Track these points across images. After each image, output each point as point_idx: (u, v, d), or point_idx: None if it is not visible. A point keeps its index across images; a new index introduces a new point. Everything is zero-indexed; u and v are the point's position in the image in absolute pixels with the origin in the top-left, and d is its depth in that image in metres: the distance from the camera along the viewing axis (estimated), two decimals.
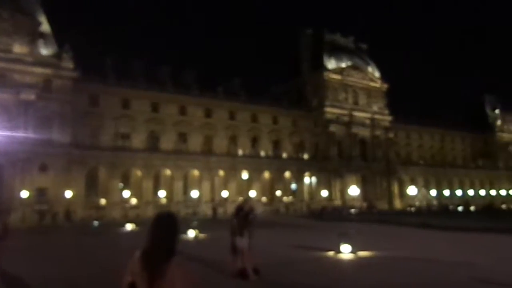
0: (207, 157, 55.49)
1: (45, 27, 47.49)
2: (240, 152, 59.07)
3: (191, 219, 28.63)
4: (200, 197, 52.54)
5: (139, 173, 51.26)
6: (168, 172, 53.15)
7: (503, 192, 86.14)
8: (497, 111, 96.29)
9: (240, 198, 51.49)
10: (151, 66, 56.57)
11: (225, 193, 53.86)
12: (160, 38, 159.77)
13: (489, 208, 60.51)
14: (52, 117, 44.39)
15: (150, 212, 43.35)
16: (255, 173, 58.60)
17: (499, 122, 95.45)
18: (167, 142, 54.09)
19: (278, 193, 60.70)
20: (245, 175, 57.56)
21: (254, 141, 61.68)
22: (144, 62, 54.53)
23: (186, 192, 53.22)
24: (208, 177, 55.43)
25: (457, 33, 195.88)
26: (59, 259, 14.11)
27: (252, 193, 55.62)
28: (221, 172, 56.82)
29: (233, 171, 57.01)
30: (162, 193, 50.46)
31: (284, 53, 79.21)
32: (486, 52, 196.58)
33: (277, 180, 61.16)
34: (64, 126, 44.97)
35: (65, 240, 22.81)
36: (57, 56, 46.59)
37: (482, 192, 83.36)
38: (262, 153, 61.03)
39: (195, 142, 56.23)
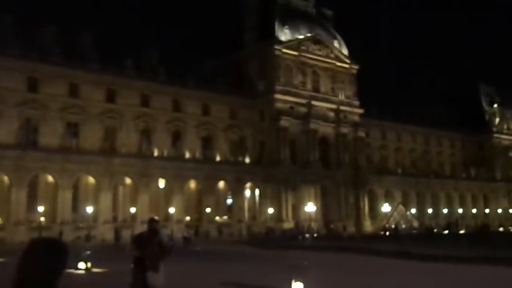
0: (108, 159, 54.24)
1: None
2: (155, 152, 58.24)
3: (83, 246, 27.66)
4: (96, 215, 51.44)
5: (6, 179, 49.06)
6: (50, 178, 51.51)
7: (500, 211, 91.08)
8: (495, 106, 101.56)
9: (156, 217, 50.68)
10: (31, 29, 54.49)
11: (133, 210, 52.84)
12: None
13: (483, 231, 63.96)
14: None
15: (21, 236, 41.92)
16: (177, 183, 58.04)
17: (497, 121, 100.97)
18: (50, 135, 52.34)
19: (208, 210, 60.45)
20: (162, 184, 56.83)
21: (176, 138, 61.05)
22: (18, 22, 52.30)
23: (76, 208, 51.78)
24: (109, 187, 54.18)
25: (448, 10, 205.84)
26: None
27: (172, 210, 54.95)
28: (128, 181, 56.01)
29: (145, 179, 56.08)
30: (40, 209, 48.55)
31: (223, 20, 79.35)
32: (482, 34, 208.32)
33: (207, 193, 60.91)
34: None
35: None
36: None
37: (475, 211, 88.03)
38: (187, 155, 60.56)
39: (91, 136, 54.85)
